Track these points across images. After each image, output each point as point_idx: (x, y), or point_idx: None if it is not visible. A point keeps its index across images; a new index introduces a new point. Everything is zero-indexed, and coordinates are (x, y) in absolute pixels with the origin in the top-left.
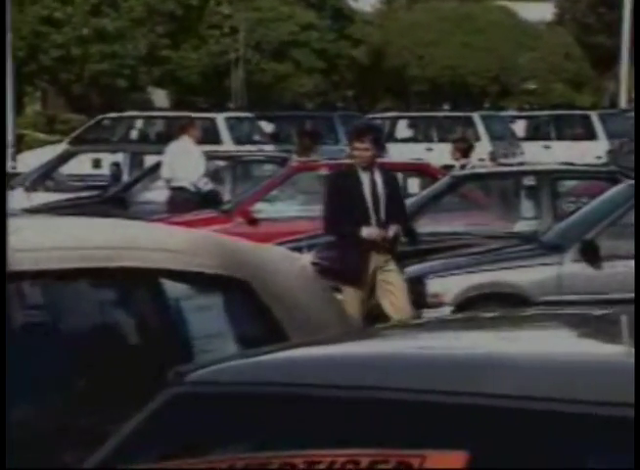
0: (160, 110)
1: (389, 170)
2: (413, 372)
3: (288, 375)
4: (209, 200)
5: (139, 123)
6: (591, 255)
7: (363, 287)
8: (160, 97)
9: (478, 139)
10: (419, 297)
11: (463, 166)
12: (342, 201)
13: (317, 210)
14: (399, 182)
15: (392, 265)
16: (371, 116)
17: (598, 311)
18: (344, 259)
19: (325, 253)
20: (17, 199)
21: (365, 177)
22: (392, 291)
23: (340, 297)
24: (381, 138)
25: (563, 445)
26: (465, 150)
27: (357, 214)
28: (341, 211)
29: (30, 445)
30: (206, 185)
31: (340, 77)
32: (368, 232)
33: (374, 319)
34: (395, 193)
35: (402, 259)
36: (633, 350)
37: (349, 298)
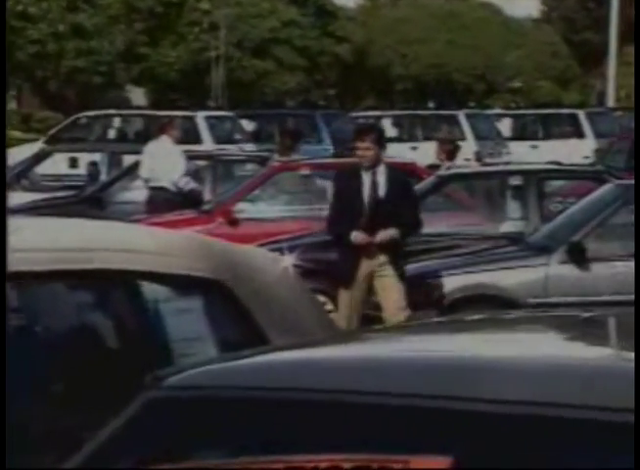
0: (139, 108)
1: (405, 173)
2: (394, 376)
3: (267, 379)
4: (190, 200)
5: (117, 122)
6: (578, 256)
7: (355, 288)
8: (138, 95)
9: (463, 138)
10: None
11: (448, 169)
12: (343, 201)
13: (299, 210)
14: (411, 184)
15: (389, 270)
16: (354, 114)
17: (585, 314)
18: (337, 260)
19: (307, 254)
20: None
21: (367, 178)
22: (386, 298)
23: (323, 299)
24: (383, 137)
25: (551, 450)
26: (451, 151)
27: (353, 215)
28: (340, 212)
29: (7, 448)
30: (188, 185)
31: (322, 75)
32: (354, 236)
33: (370, 321)
34: (404, 194)
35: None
36: (623, 352)
37: (342, 299)
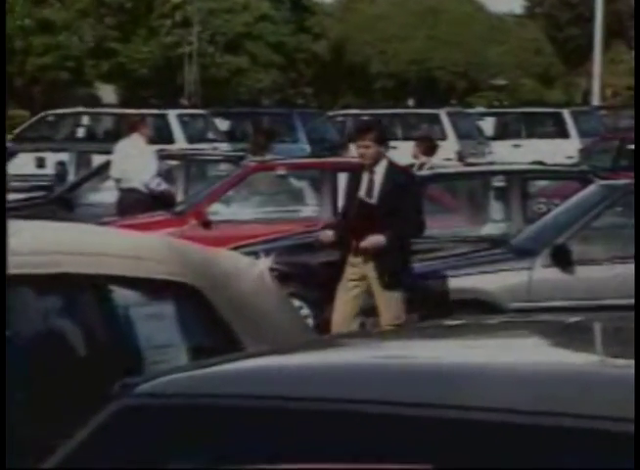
0: (109, 106)
1: (409, 174)
2: (368, 383)
3: (240, 387)
4: (162, 201)
5: (86, 120)
6: (563, 259)
7: (345, 293)
8: (107, 92)
9: (444, 137)
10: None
11: (422, 166)
12: (345, 202)
13: (275, 212)
14: (414, 184)
15: (379, 277)
16: (332, 113)
17: (570, 319)
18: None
19: (284, 258)
20: None
21: (365, 177)
22: (380, 305)
23: (299, 304)
24: (384, 135)
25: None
26: (428, 149)
27: (348, 217)
28: (342, 212)
29: None
30: (160, 185)
31: (298, 73)
32: (322, 234)
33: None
34: (404, 195)
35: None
36: (608, 359)
37: (336, 304)
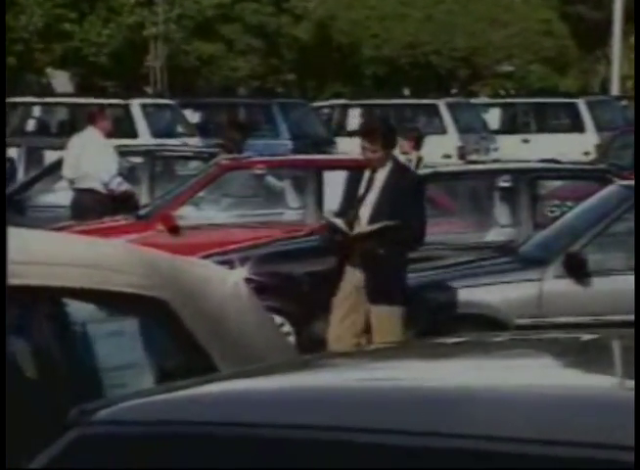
0: (62, 95)
1: (413, 176)
2: (352, 409)
3: (208, 414)
4: (123, 204)
5: (36, 111)
6: (577, 270)
7: (343, 303)
8: (61, 80)
9: (444, 131)
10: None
11: (419, 162)
12: (344, 203)
13: (252, 215)
14: (420, 189)
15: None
16: (317, 104)
17: (585, 336)
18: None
19: (262, 267)
20: None
21: (366, 175)
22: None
23: (279, 320)
24: (393, 136)
25: None
26: (418, 142)
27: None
28: (341, 213)
29: None
30: (120, 186)
31: (279, 58)
32: (333, 220)
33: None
34: (406, 200)
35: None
36: (627, 381)
37: (332, 316)
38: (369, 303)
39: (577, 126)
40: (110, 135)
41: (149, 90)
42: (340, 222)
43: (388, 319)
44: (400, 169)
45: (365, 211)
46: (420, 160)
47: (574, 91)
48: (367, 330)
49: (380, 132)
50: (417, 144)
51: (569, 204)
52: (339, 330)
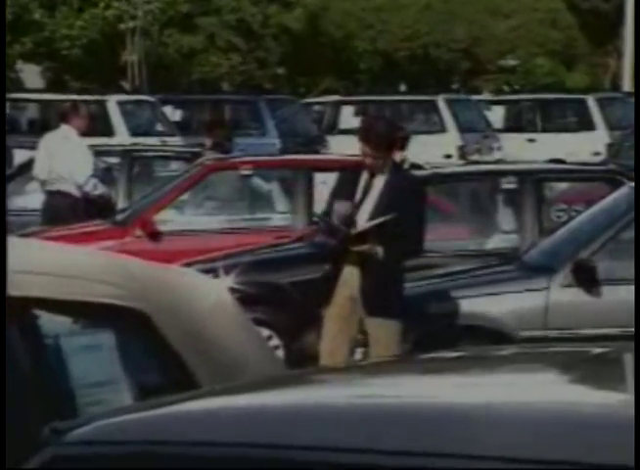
0: (33, 91)
1: (414, 180)
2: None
3: (189, 433)
4: (99, 207)
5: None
6: (587, 278)
7: (337, 314)
8: (31, 75)
9: (443, 130)
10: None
11: (402, 164)
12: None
13: (238, 220)
14: (421, 195)
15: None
16: (307, 100)
17: (595, 350)
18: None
19: (248, 276)
20: None
21: (364, 178)
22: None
23: (267, 333)
24: (395, 140)
25: None
26: (404, 142)
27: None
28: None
29: None
30: (96, 188)
31: (266, 52)
32: (340, 205)
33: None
34: (406, 207)
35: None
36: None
37: (325, 328)
38: (365, 315)
39: (587, 125)
40: (85, 134)
41: (126, 86)
42: (337, 222)
43: (384, 333)
44: (400, 174)
45: (362, 217)
46: (404, 161)
47: (583, 87)
48: (363, 344)
49: (383, 138)
50: (402, 144)
51: (577, 207)
52: (331, 344)
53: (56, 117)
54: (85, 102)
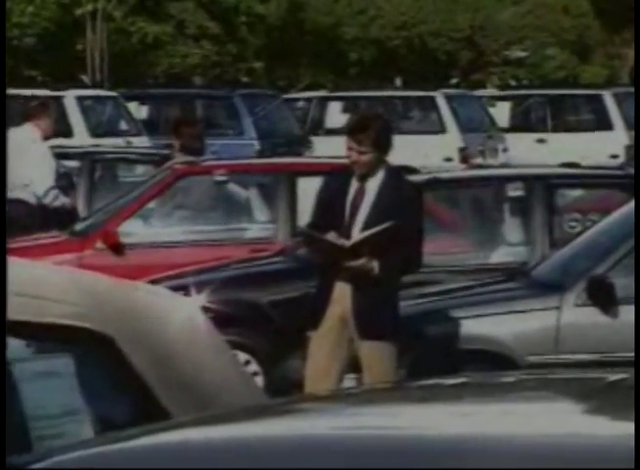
0: None
1: (411, 187)
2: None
3: (157, 467)
4: (59, 218)
5: None
6: (602, 296)
7: (326, 338)
8: None
9: (443, 129)
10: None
11: None
12: (320, 217)
13: (211, 231)
14: (418, 201)
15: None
16: (290, 96)
17: (612, 376)
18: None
19: (222, 294)
20: None
21: (353, 188)
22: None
23: (244, 357)
24: (387, 135)
25: None
26: None
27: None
28: (318, 226)
29: None
30: (56, 200)
31: (242, 42)
32: (330, 235)
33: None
34: (402, 214)
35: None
36: None
37: (311, 353)
38: (357, 337)
39: (603, 124)
40: (49, 137)
41: (86, 79)
42: (332, 235)
43: (378, 357)
44: (395, 179)
45: (355, 229)
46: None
47: (599, 81)
48: (354, 369)
49: (372, 129)
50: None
51: (592, 217)
52: (317, 370)
53: (22, 116)
54: (39, 98)
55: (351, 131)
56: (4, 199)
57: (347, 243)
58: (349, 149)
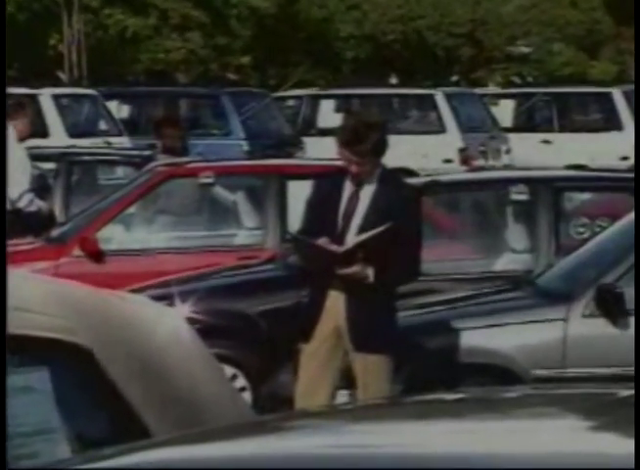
0: None
1: (408, 190)
2: None
3: None
4: (33, 223)
5: None
6: (611, 306)
7: (319, 350)
8: None
9: (442, 129)
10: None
11: None
12: (313, 222)
13: (196, 237)
14: (414, 206)
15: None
16: (280, 94)
17: (622, 391)
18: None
19: (208, 304)
20: None
21: (348, 189)
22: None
23: (231, 371)
24: (384, 142)
25: None
26: None
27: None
28: (309, 232)
29: None
30: (30, 205)
31: (231, 36)
32: (321, 241)
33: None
34: (399, 221)
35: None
36: None
37: (302, 366)
38: (352, 350)
39: (613, 123)
40: (24, 138)
41: (63, 76)
42: (324, 240)
43: (373, 371)
44: (392, 183)
45: (350, 235)
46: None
47: (609, 78)
48: (348, 385)
49: (370, 139)
50: None
51: (601, 222)
52: (309, 385)
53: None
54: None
55: (348, 143)
56: (4, 199)
57: (340, 249)
58: (347, 160)
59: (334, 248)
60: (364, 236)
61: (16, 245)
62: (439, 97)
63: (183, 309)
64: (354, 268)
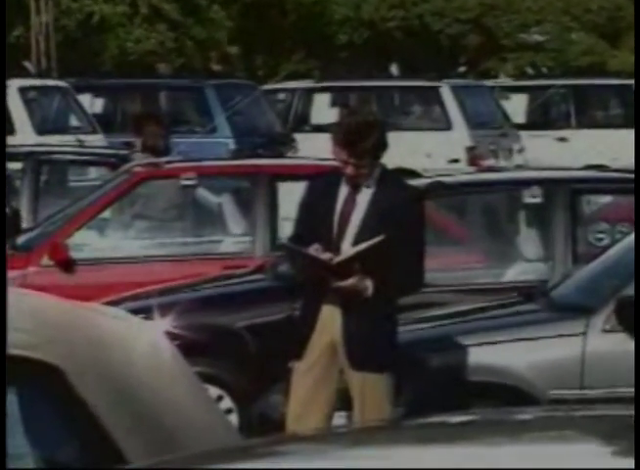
0: None
1: (411, 193)
2: None
3: None
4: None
5: None
6: (634, 320)
7: (312, 367)
8: None
9: (448, 126)
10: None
11: None
12: (306, 226)
13: (178, 244)
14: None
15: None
16: (270, 87)
17: None
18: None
19: (190, 317)
20: None
21: (344, 191)
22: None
23: (215, 391)
24: (384, 142)
25: None
26: None
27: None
28: (302, 238)
29: None
30: None
31: (214, 24)
32: (314, 248)
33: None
34: (399, 226)
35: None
36: None
37: (294, 385)
38: (348, 368)
39: (634, 119)
40: None
41: (30, 67)
42: (315, 249)
43: (373, 391)
44: (392, 184)
45: (346, 242)
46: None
47: (631, 69)
48: (346, 405)
49: (370, 139)
50: None
51: (622, 228)
52: (302, 406)
53: None
54: None
55: (344, 143)
56: (4, 200)
57: (335, 259)
58: (344, 163)
59: (326, 257)
60: (362, 246)
61: None
62: (445, 90)
63: (163, 324)
64: (351, 281)
